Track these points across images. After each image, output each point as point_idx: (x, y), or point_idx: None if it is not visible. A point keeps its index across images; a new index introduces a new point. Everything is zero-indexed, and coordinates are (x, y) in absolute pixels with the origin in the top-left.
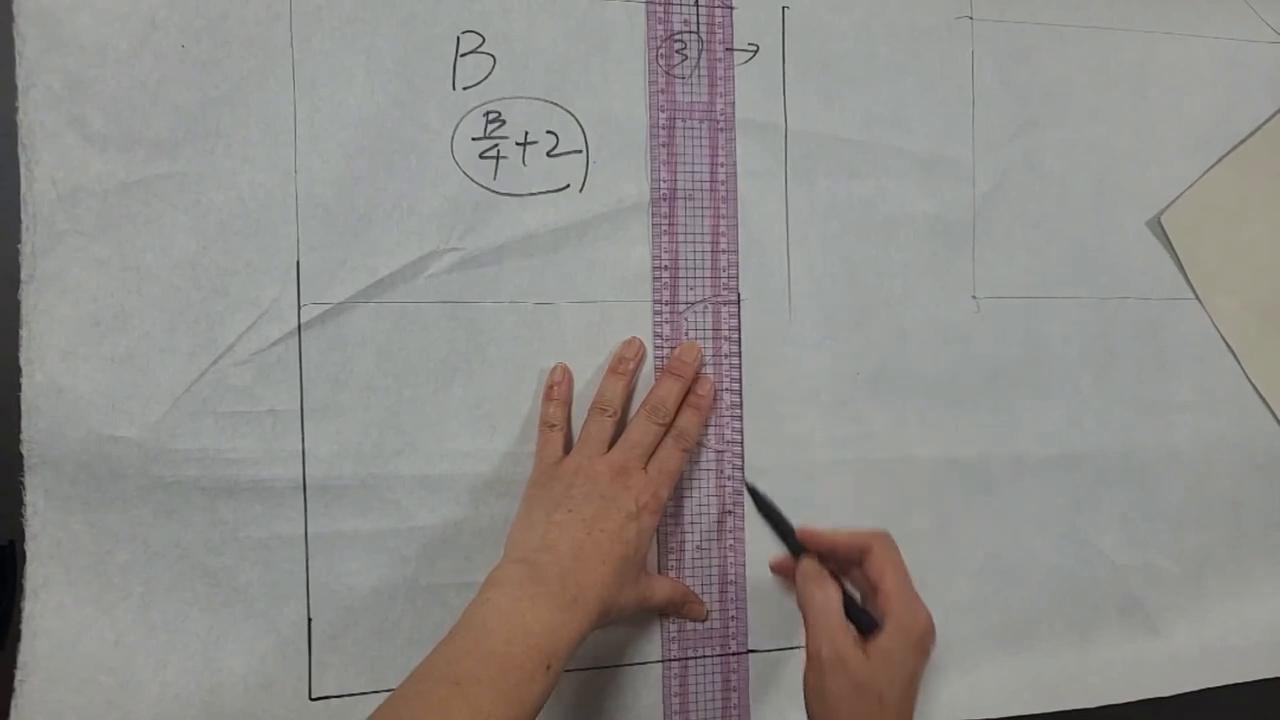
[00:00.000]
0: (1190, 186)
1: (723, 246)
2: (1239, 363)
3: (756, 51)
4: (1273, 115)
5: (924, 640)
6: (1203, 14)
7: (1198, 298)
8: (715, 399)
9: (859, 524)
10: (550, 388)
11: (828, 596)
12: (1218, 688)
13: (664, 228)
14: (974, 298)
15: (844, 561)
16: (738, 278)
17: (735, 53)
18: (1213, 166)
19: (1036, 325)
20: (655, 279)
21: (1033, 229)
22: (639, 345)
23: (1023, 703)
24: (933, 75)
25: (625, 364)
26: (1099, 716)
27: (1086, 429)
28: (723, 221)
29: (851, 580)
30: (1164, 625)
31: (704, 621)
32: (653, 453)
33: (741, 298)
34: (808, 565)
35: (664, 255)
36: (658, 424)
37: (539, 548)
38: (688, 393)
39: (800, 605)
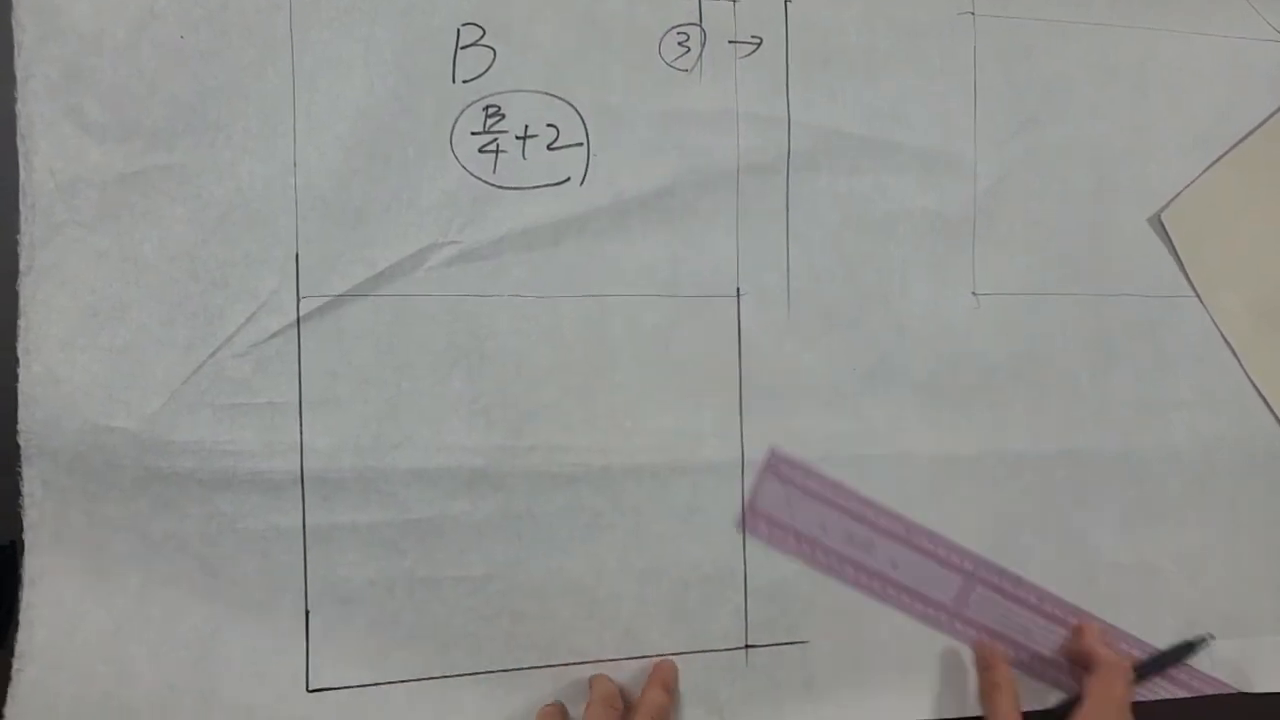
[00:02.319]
0: (1191, 184)
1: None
2: (1239, 361)
3: (760, 44)
4: (1274, 113)
5: None
6: (1204, 12)
7: (1198, 296)
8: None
9: None
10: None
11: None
12: None
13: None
14: (974, 294)
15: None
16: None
17: (738, 45)
18: (1214, 164)
19: (1036, 322)
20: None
21: (1033, 225)
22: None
23: (1021, 702)
24: (934, 70)
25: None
26: None
27: (1085, 427)
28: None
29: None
30: (1162, 625)
31: None
32: None
33: (741, 292)
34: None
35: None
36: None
37: None
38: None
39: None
